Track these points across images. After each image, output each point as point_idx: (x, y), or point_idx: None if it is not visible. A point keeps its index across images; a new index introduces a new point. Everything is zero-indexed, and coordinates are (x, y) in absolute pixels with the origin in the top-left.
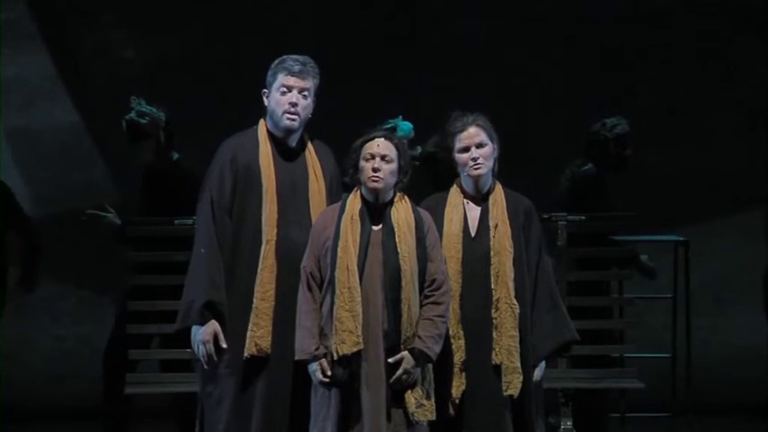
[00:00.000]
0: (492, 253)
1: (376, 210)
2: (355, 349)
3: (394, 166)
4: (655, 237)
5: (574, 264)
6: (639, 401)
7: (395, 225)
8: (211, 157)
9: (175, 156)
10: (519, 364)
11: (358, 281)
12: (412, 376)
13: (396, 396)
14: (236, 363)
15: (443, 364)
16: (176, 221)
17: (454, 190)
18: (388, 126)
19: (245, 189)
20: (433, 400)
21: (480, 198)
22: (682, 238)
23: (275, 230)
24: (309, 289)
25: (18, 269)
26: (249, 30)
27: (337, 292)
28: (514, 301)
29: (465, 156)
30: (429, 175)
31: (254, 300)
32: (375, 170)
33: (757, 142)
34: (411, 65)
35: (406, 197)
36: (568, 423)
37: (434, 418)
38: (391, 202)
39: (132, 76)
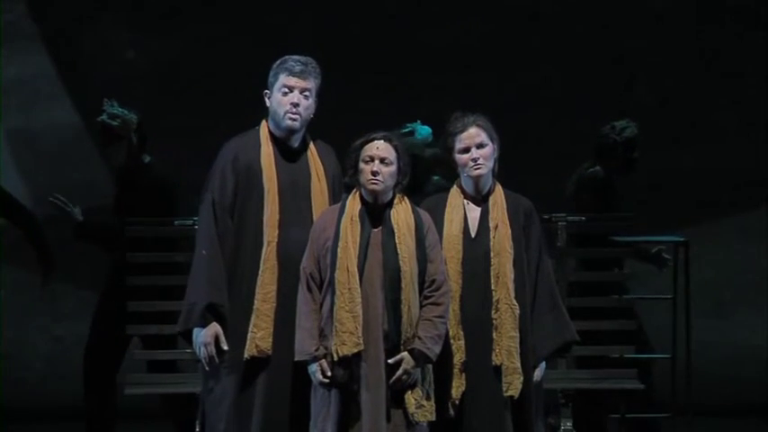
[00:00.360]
0: (492, 254)
1: (376, 211)
2: (355, 350)
3: (393, 168)
4: (655, 237)
5: (581, 264)
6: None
7: (394, 226)
8: (212, 158)
9: (147, 158)
10: (519, 365)
11: (358, 282)
12: (412, 377)
13: (396, 397)
14: (237, 363)
15: (443, 364)
16: (176, 222)
17: (454, 191)
18: (407, 130)
19: (247, 190)
20: (432, 400)
21: (480, 199)
22: (682, 239)
23: (276, 231)
24: (309, 290)
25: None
26: (249, 30)
27: (337, 293)
28: (514, 302)
29: (465, 156)
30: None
31: (255, 301)
32: (374, 173)
33: (757, 142)
34: (411, 65)
35: (405, 198)
36: (568, 424)
37: (434, 418)
38: (391, 204)
39: (132, 77)
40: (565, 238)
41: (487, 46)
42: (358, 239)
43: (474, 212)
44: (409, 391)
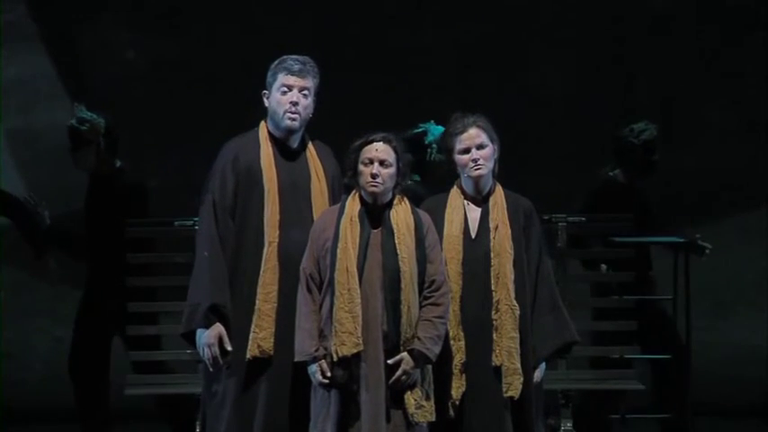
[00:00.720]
0: (492, 254)
1: (375, 211)
2: (355, 350)
3: (392, 170)
4: (655, 238)
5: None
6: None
7: (394, 227)
8: (210, 158)
9: (118, 163)
10: (519, 366)
11: (357, 282)
12: (411, 377)
13: (395, 397)
14: (239, 364)
15: (443, 365)
16: (176, 223)
17: (454, 191)
18: (419, 130)
19: (247, 190)
20: (432, 401)
21: (480, 199)
22: (682, 240)
23: (277, 232)
24: (309, 290)
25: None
26: (249, 31)
27: (337, 293)
28: (515, 303)
29: (465, 157)
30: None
31: (257, 301)
32: (374, 176)
33: (757, 142)
34: (411, 65)
35: (405, 199)
36: (568, 424)
37: (434, 419)
38: (390, 204)
39: (132, 77)
40: (565, 238)
41: (487, 46)
42: (357, 240)
43: (474, 213)
44: (409, 392)
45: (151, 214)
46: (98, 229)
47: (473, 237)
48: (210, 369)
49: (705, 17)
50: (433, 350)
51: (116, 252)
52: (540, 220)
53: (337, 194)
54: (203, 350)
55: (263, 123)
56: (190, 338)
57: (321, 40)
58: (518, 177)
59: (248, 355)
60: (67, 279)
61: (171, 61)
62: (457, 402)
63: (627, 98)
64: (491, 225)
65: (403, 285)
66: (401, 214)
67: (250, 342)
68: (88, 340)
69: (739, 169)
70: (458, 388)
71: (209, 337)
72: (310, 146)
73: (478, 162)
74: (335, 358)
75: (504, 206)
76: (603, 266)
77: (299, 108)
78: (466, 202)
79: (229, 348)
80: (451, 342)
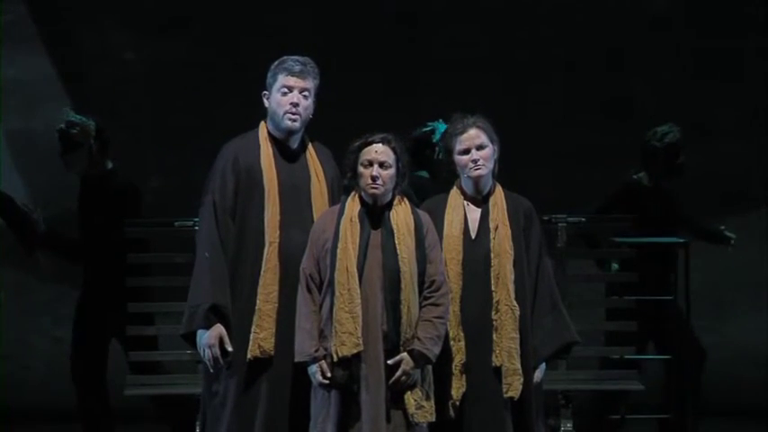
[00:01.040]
0: (492, 255)
1: (375, 212)
2: (355, 351)
3: (392, 171)
4: (655, 239)
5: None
6: (640, 403)
7: (394, 227)
8: (211, 159)
9: (110, 165)
10: (519, 366)
11: (357, 282)
12: (411, 378)
13: (395, 397)
14: (239, 364)
15: (444, 365)
16: (176, 223)
17: (454, 192)
18: (427, 129)
19: (247, 191)
20: (432, 401)
21: (480, 200)
22: (682, 240)
23: (277, 232)
24: (309, 290)
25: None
26: (249, 31)
27: (337, 293)
28: (515, 303)
29: (465, 158)
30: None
31: (258, 301)
32: (374, 178)
33: (758, 142)
34: (411, 65)
35: (405, 199)
36: (568, 425)
37: (434, 419)
38: (390, 205)
39: (132, 78)
40: (565, 239)
41: (487, 46)
42: (357, 240)
43: (474, 213)
44: (409, 392)
45: (150, 215)
46: (92, 230)
47: (473, 237)
48: (211, 370)
49: (705, 17)
50: (433, 350)
51: (111, 253)
52: (540, 220)
53: (337, 195)
54: (204, 351)
55: (262, 124)
56: (190, 339)
57: (321, 41)
58: (518, 178)
59: (249, 356)
60: (67, 279)
61: (170, 62)
62: (457, 403)
63: (627, 98)
64: (491, 225)
65: (403, 286)
66: (401, 215)
67: (251, 342)
68: (87, 341)
69: (739, 170)
70: (458, 388)
71: (210, 337)
72: (310, 147)
73: (478, 163)
74: (336, 358)
75: (504, 206)
76: (615, 266)
77: (300, 109)
78: (466, 202)
79: (230, 349)
80: (451, 342)
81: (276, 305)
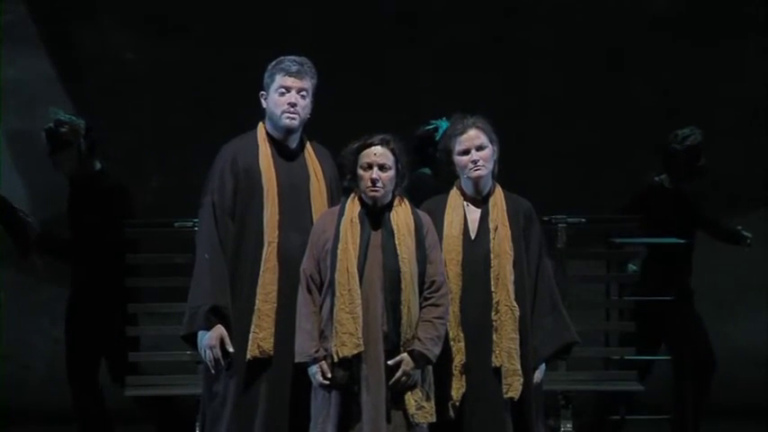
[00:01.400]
0: (492, 255)
1: (375, 213)
2: (356, 351)
3: (392, 173)
4: (656, 239)
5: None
6: (640, 403)
7: (394, 228)
8: (211, 159)
9: (98, 165)
10: (519, 367)
11: (358, 283)
12: (411, 378)
13: (396, 398)
14: (239, 364)
15: (443, 365)
16: (176, 224)
17: (454, 192)
18: (430, 127)
19: (247, 192)
20: (432, 401)
21: (480, 200)
22: (682, 240)
23: (276, 232)
24: (309, 291)
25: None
26: (249, 31)
27: (337, 294)
28: (514, 304)
29: (465, 158)
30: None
31: (257, 301)
32: (374, 181)
33: (757, 143)
34: (412, 65)
35: (405, 199)
36: (568, 425)
37: (434, 419)
38: (390, 205)
39: (132, 79)
40: (565, 239)
41: (488, 46)
42: (358, 241)
43: (474, 214)
44: (409, 393)
45: (150, 215)
46: (82, 231)
47: (473, 238)
48: (212, 371)
49: (705, 17)
50: (434, 351)
51: (101, 254)
52: (540, 220)
53: (335, 195)
54: (205, 352)
55: (261, 125)
56: (191, 340)
57: (321, 41)
58: (518, 178)
59: (248, 356)
60: (66, 280)
61: (170, 62)
62: (457, 403)
63: (627, 98)
64: (491, 226)
65: (403, 286)
66: (401, 215)
67: (250, 342)
68: (78, 342)
69: (739, 170)
70: (458, 389)
71: (211, 338)
72: (308, 146)
73: (478, 163)
74: (336, 359)
75: (504, 207)
76: (632, 267)
77: (298, 109)
78: (465, 203)
79: (231, 350)
80: (451, 343)
81: (275, 305)
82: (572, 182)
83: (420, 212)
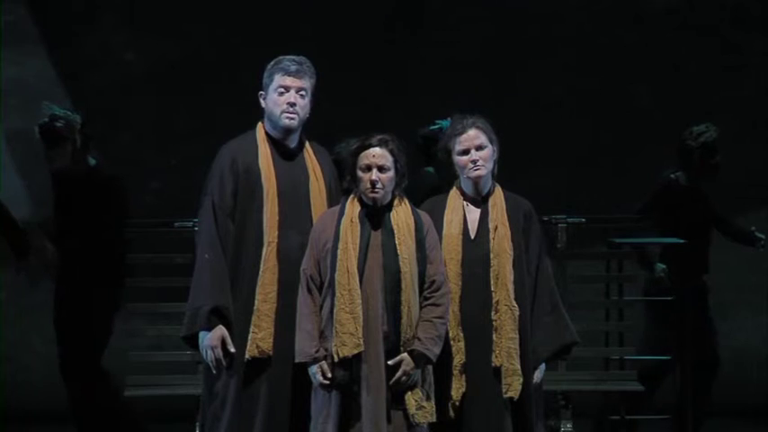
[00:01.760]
0: (492, 255)
1: (375, 213)
2: (356, 351)
3: (391, 173)
4: (655, 239)
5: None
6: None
7: (394, 227)
8: (211, 159)
9: (92, 161)
10: (519, 367)
11: (358, 283)
12: (411, 378)
13: (396, 398)
14: (239, 364)
15: (443, 365)
16: (176, 224)
17: (454, 192)
18: (435, 127)
19: (246, 192)
20: (433, 401)
21: (480, 200)
22: (682, 240)
23: (276, 232)
24: (309, 291)
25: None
26: (249, 31)
27: (337, 294)
28: (514, 304)
29: (465, 158)
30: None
31: (256, 301)
32: (373, 183)
33: (758, 143)
34: (411, 65)
35: (405, 199)
36: (568, 425)
37: (435, 419)
38: (390, 205)
39: (132, 79)
40: (565, 239)
41: (488, 47)
42: (358, 241)
43: (473, 214)
44: (409, 393)
45: (150, 215)
46: (73, 228)
47: (472, 237)
48: (214, 371)
49: (704, 17)
50: (434, 350)
51: (93, 251)
52: (540, 220)
53: (335, 195)
54: (206, 352)
55: (260, 125)
56: (191, 341)
57: (321, 41)
58: (518, 178)
59: (247, 356)
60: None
61: (170, 62)
62: (457, 403)
63: (626, 99)
64: (490, 226)
65: (403, 286)
66: (401, 215)
67: (249, 342)
68: (68, 338)
69: (739, 170)
70: (458, 389)
71: (212, 339)
72: (308, 146)
73: (478, 163)
74: (336, 359)
75: (504, 207)
76: (660, 265)
77: (297, 108)
78: (465, 203)
79: (232, 350)
80: (451, 343)
81: (275, 305)
82: (572, 182)
83: (420, 212)
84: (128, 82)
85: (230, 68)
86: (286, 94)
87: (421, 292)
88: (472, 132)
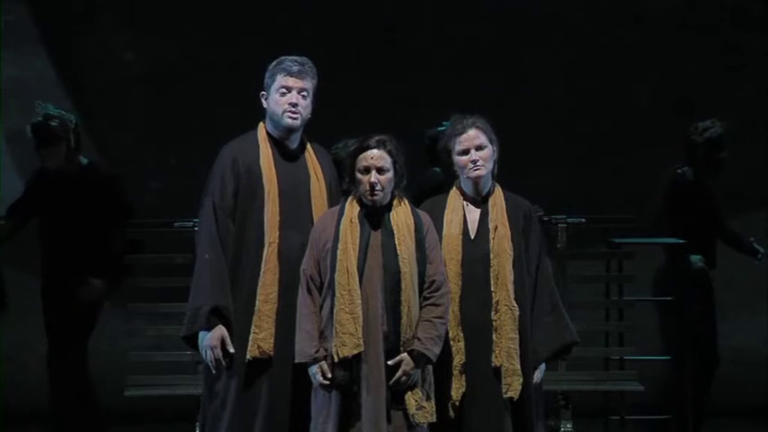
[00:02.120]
0: (492, 255)
1: (375, 213)
2: (356, 351)
3: (390, 174)
4: (655, 239)
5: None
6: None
7: (394, 228)
8: (211, 159)
9: (84, 161)
10: (519, 367)
11: (358, 283)
12: (411, 378)
13: (396, 398)
14: (239, 365)
15: (443, 365)
16: (176, 224)
17: (453, 192)
18: (441, 129)
19: (247, 192)
20: (433, 401)
21: (480, 200)
22: (681, 241)
23: (277, 232)
24: (309, 292)
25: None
26: (249, 31)
27: (337, 294)
28: (514, 304)
29: (464, 158)
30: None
31: (257, 302)
32: (372, 185)
33: (758, 143)
34: (411, 65)
35: (405, 199)
36: (568, 425)
37: (435, 419)
38: (390, 206)
39: (132, 79)
40: (564, 239)
41: (488, 47)
42: (358, 241)
43: (473, 214)
44: (409, 393)
45: (150, 215)
46: (63, 226)
47: (472, 237)
48: (213, 371)
49: (704, 17)
50: (434, 350)
51: (84, 251)
52: (540, 220)
53: (335, 196)
54: (206, 352)
55: (261, 125)
56: (191, 341)
57: (322, 41)
58: (517, 178)
59: (248, 356)
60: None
61: (170, 62)
62: (457, 403)
63: (626, 99)
64: (490, 226)
65: (403, 286)
66: (401, 215)
67: (250, 342)
68: (54, 333)
69: (739, 171)
70: (457, 389)
71: (212, 339)
72: (309, 147)
73: (477, 163)
74: (336, 359)
75: (504, 207)
76: (696, 257)
77: (299, 109)
78: (465, 202)
79: (232, 350)
80: (451, 343)
81: (276, 305)
82: (572, 182)
83: (420, 212)
84: (128, 82)
85: (230, 68)
86: (288, 95)
87: (421, 292)
88: (472, 132)
